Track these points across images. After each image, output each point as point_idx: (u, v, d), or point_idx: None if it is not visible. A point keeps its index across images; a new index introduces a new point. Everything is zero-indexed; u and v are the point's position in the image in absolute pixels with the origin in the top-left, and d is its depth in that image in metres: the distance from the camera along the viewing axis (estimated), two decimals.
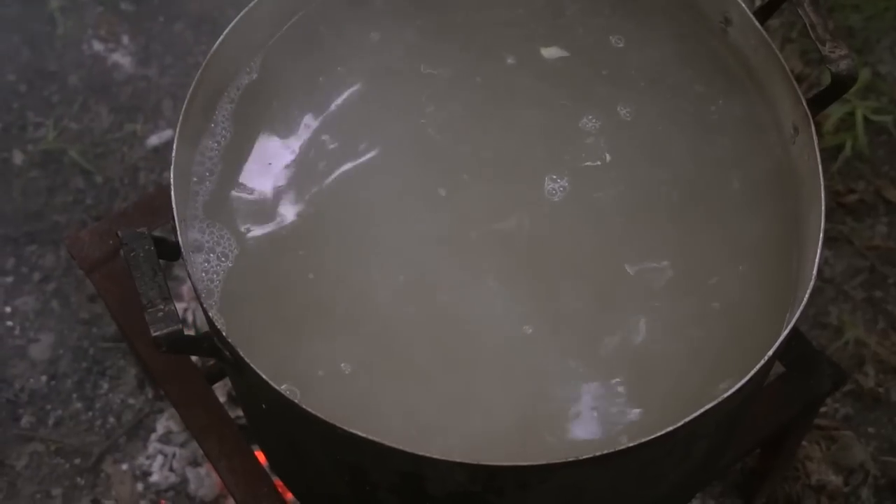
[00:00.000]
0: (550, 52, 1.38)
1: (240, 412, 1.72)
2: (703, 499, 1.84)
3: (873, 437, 1.91)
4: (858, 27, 2.24)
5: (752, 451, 1.61)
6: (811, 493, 1.83)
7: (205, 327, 1.67)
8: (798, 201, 1.26)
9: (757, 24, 1.27)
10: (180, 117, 1.19)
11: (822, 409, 1.91)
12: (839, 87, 1.21)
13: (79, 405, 1.95)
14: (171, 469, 1.88)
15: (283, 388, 1.09)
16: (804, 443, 1.85)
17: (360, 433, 1.04)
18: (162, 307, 1.08)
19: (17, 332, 2.01)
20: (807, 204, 1.22)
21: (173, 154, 1.18)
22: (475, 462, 1.04)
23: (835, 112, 2.10)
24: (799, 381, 1.48)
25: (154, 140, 2.18)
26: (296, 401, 1.06)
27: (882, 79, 2.18)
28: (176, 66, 2.26)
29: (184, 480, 1.87)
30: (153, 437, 1.92)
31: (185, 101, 1.20)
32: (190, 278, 1.14)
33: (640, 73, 1.37)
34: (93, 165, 2.15)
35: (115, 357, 1.99)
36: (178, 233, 1.15)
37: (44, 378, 1.97)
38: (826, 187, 2.07)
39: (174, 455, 1.89)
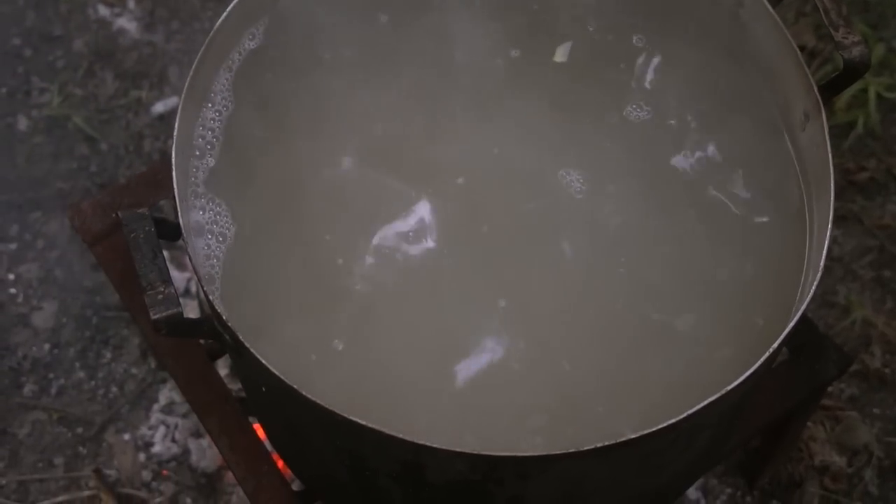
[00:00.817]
0: (563, 49, 1.36)
1: (241, 385, 1.72)
2: (707, 478, 1.84)
3: (878, 417, 1.91)
4: (874, 2, 2.21)
5: (757, 435, 1.60)
6: (814, 474, 1.82)
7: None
8: (807, 189, 1.24)
9: (769, 6, 1.25)
10: (180, 102, 1.17)
11: (828, 390, 1.90)
12: (851, 73, 1.20)
13: (81, 374, 1.95)
14: (173, 440, 1.88)
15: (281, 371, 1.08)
16: (808, 423, 1.84)
17: (359, 420, 1.04)
18: (162, 290, 1.07)
19: (20, 299, 2.01)
20: (815, 192, 1.21)
21: (175, 133, 1.16)
22: (475, 452, 1.04)
23: (847, 89, 2.07)
24: (804, 366, 1.47)
25: (159, 107, 2.16)
26: (295, 386, 1.05)
27: None
28: (182, 31, 2.25)
29: (186, 451, 1.87)
30: (155, 407, 1.92)
31: (185, 86, 1.18)
32: (190, 260, 1.13)
33: (650, 56, 1.36)
34: (97, 132, 2.14)
35: (118, 326, 1.98)
36: (179, 213, 1.14)
37: (46, 346, 1.97)
38: (837, 165, 2.06)
39: (176, 426, 1.89)
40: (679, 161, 1.29)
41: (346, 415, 1.04)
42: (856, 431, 1.87)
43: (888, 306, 1.98)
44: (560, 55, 1.35)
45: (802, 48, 2.14)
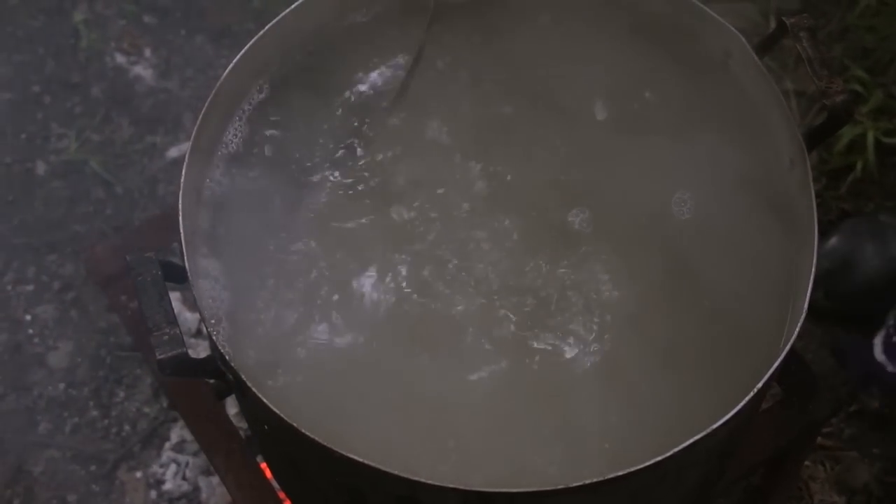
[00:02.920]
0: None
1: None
2: None
3: (878, 457, 1.93)
4: (872, 48, 2.25)
5: (751, 475, 1.63)
6: None
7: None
8: (795, 233, 1.28)
9: (756, 57, 1.29)
10: (189, 147, 1.22)
11: (828, 430, 1.93)
12: (835, 121, 1.23)
13: (95, 413, 1.99)
14: (183, 478, 1.92)
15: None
16: (808, 463, 1.87)
17: (356, 457, 1.07)
18: (167, 331, 1.11)
19: (36, 340, 2.05)
20: (802, 237, 1.24)
21: (182, 181, 1.21)
22: (468, 488, 1.07)
23: (846, 133, 2.11)
24: (798, 405, 1.49)
25: (174, 152, 2.22)
26: (295, 424, 1.09)
27: (894, 100, 2.19)
28: (196, 78, 2.30)
29: (196, 489, 1.91)
30: (167, 445, 1.96)
31: (192, 135, 1.23)
32: (196, 301, 1.18)
33: (642, 97, 1.40)
34: (113, 176, 2.19)
35: (131, 366, 2.03)
36: (186, 258, 1.18)
37: (62, 386, 2.01)
38: (835, 206, 2.09)
39: (187, 464, 1.93)
40: (675, 203, 1.33)
41: (343, 452, 1.07)
42: (855, 471, 1.90)
43: None
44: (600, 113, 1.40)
45: (802, 94, 2.19)
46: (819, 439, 1.88)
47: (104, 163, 2.21)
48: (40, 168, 2.21)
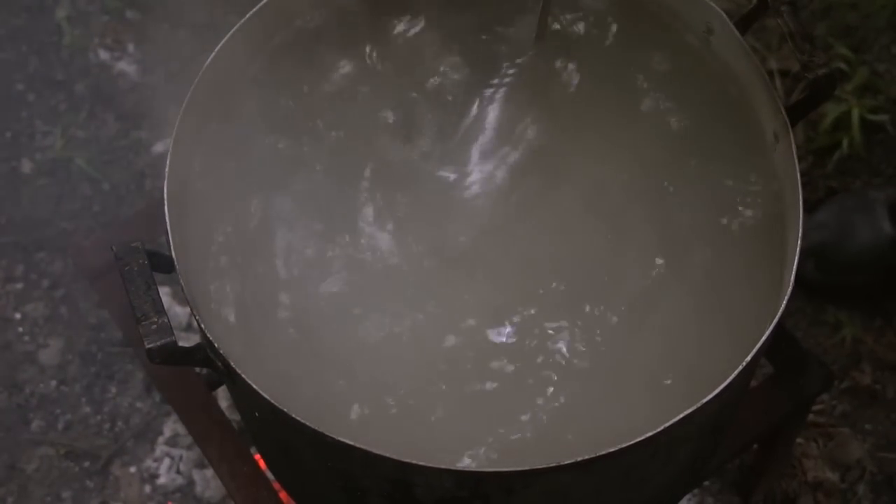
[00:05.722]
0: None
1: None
2: (702, 496, 1.87)
3: (870, 433, 1.93)
4: (856, 25, 2.25)
5: (744, 452, 1.63)
6: (808, 490, 1.85)
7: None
8: (780, 208, 1.28)
9: (737, 33, 1.29)
10: (173, 136, 1.22)
11: (819, 407, 1.93)
12: (818, 96, 1.23)
13: (87, 409, 1.99)
14: (178, 471, 1.92)
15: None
16: (801, 440, 1.87)
17: (348, 441, 1.07)
18: (155, 320, 1.11)
19: (26, 337, 2.05)
20: (788, 211, 1.25)
21: (167, 170, 1.21)
22: (460, 469, 1.08)
23: (831, 111, 2.11)
24: (788, 382, 1.50)
25: (159, 147, 2.21)
26: (285, 409, 1.09)
27: (879, 77, 2.19)
28: (181, 73, 2.30)
29: (190, 482, 1.91)
30: (160, 440, 1.95)
31: (179, 117, 1.23)
32: (184, 290, 1.17)
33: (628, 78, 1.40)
34: (100, 173, 2.19)
35: (122, 361, 2.03)
36: (172, 246, 1.18)
37: (53, 383, 2.01)
38: (823, 184, 2.09)
39: (181, 458, 1.93)
40: (648, 175, 1.34)
41: (335, 436, 1.08)
42: (848, 447, 1.90)
43: (877, 324, 2.01)
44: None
45: (786, 73, 2.19)
46: (811, 417, 1.89)
47: (90, 159, 2.20)
48: (26, 166, 2.21)
